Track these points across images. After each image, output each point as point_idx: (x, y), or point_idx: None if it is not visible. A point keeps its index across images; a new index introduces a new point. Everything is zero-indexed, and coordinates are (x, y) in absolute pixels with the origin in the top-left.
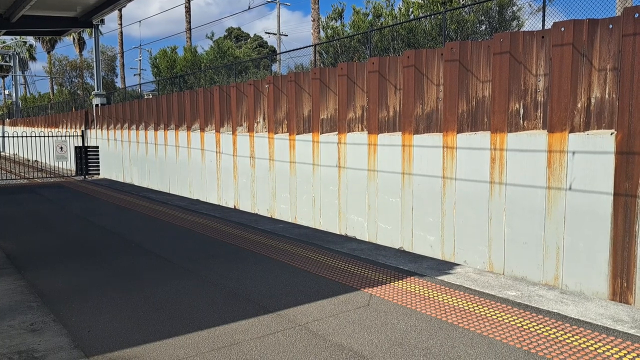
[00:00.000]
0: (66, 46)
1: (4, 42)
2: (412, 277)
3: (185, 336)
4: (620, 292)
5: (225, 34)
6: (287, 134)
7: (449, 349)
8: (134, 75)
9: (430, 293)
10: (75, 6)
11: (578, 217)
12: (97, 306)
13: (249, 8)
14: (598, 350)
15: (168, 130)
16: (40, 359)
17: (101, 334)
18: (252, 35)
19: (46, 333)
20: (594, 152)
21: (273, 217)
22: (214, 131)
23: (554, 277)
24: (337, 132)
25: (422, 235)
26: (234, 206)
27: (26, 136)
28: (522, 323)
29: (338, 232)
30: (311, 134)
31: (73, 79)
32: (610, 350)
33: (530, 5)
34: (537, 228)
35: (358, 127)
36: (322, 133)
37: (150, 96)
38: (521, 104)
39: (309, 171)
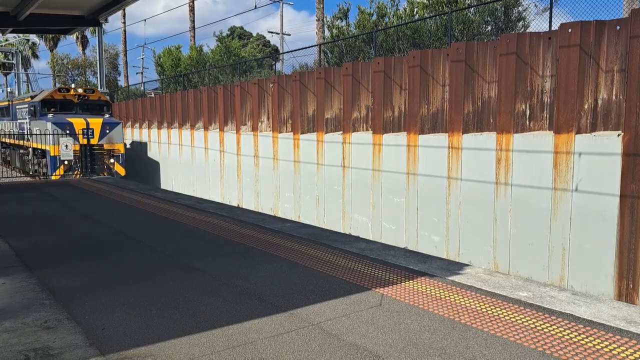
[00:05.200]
0: (69, 44)
1: (6, 40)
2: (422, 278)
3: (199, 335)
4: (626, 293)
5: (228, 32)
6: (292, 133)
7: (463, 349)
8: (137, 73)
9: (441, 293)
10: (83, 5)
11: (584, 219)
12: (109, 304)
13: (255, 7)
14: (613, 352)
15: (172, 128)
16: (56, 356)
17: (115, 332)
18: (254, 35)
19: (60, 331)
20: (600, 154)
21: (276, 215)
22: (218, 130)
23: (560, 278)
24: (341, 132)
25: (427, 236)
26: (237, 205)
27: (32, 134)
28: (536, 324)
29: (342, 232)
30: (315, 133)
31: (75, 77)
32: (626, 352)
33: (536, 6)
34: (543, 229)
35: (363, 126)
36: (326, 132)
37: (153, 95)
38: (527, 105)
39: (313, 171)
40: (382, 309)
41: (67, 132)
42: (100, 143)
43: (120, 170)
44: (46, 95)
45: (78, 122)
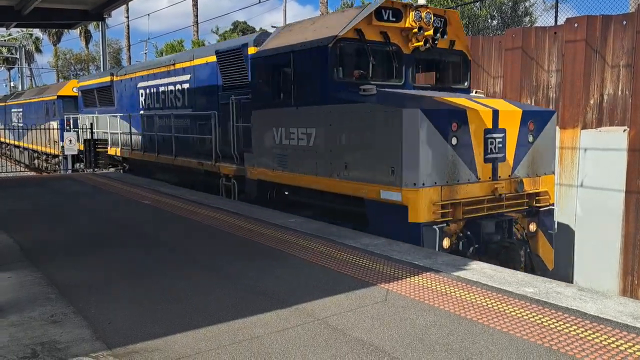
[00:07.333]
0: (72, 39)
1: (10, 35)
2: (427, 273)
3: (206, 329)
4: (630, 289)
5: (231, 27)
6: None
7: (469, 345)
8: None
9: (447, 289)
10: None
11: (589, 214)
12: (115, 299)
13: (259, 2)
14: (620, 348)
15: None
16: (63, 350)
17: (121, 326)
18: (257, 29)
19: (67, 325)
20: (605, 149)
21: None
22: None
23: (565, 274)
24: None
25: None
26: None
27: (32, 128)
28: (542, 320)
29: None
30: None
31: (78, 72)
32: (632, 348)
33: (544, 2)
34: None
35: None
36: None
37: None
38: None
39: None
40: (388, 305)
41: (453, 143)
42: (516, 175)
43: (548, 257)
44: (345, 32)
45: (479, 112)
